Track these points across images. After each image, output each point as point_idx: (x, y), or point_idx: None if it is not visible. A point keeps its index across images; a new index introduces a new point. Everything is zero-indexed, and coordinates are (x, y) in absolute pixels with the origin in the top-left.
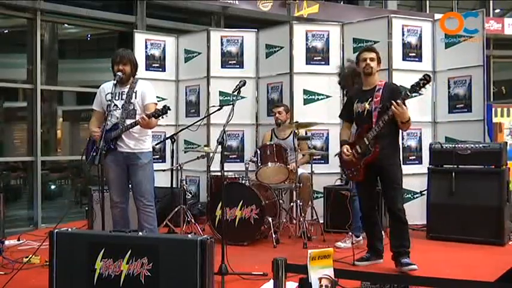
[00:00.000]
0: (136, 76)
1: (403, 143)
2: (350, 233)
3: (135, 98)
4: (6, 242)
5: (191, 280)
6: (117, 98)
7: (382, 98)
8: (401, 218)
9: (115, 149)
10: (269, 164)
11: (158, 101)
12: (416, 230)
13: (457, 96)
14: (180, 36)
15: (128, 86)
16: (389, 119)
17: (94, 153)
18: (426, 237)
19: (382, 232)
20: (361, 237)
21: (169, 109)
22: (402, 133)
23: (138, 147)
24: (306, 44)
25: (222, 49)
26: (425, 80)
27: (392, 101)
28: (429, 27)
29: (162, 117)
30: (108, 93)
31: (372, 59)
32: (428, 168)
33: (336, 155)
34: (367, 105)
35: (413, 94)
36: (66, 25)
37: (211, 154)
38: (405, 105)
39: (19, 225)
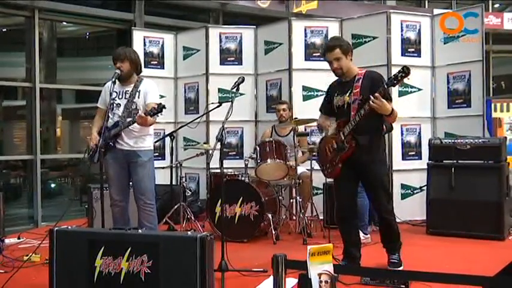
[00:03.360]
0: (141, 74)
1: (402, 139)
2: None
3: (138, 97)
4: (7, 241)
5: (191, 277)
6: (120, 96)
7: (362, 89)
8: (387, 219)
9: (114, 147)
10: (268, 160)
11: (159, 101)
12: (416, 226)
13: (456, 91)
14: (178, 34)
15: (132, 85)
16: (367, 113)
17: (92, 151)
18: (426, 232)
19: (365, 236)
20: (369, 235)
21: (165, 107)
22: (401, 128)
23: (138, 145)
24: (305, 40)
25: (220, 46)
26: (404, 72)
27: (370, 95)
28: (428, 23)
29: (158, 116)
30: (110, 92)
31: (337, 59)
32: (428, 163)
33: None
34: (346, 98)
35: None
36: (64, 23)
37: (210, 151)
38: (389, 98)
39: (19, 223)
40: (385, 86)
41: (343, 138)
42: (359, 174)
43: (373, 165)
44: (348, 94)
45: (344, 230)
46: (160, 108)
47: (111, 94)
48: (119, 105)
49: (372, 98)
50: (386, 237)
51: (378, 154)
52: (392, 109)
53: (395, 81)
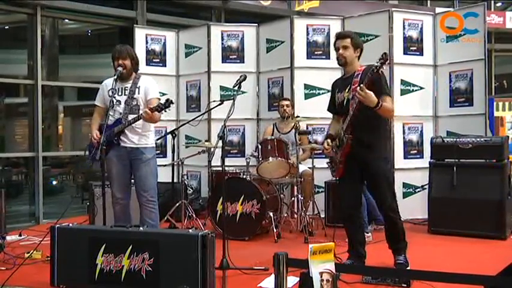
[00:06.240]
0: (139, 72)
1: (404, 137)
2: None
3: (138, 93)
4: (8, 238)
5: (192, 275)
6: (120, 93)
7: (360, 83)
8: (392, 218)
9: (118, 144)
10: (270, 158)
11: (160, 96)
12: (418, 224)
13: (459, 90)
14: (180, 31)
15: (131, 82)
16: (359, 106)
17: (95, 149)
18: (428, 231)
19: (366, 234)
20: (370, 234)
21: (172, 103)
22: (403, 127)
23: (141, 142)
24: (307, 39)
25: (222, 44)
26: (382, 58)
27: (357, 87)
28: (430, 21)
29: (165, 111)
30: (110, 89)
31: (344, 47)
32: (430, 162)
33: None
34: (346, 93)
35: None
36: (66, 20)
37: (212, 149)
38: (384, 93)
39: (21, 220)
40: (370, 75)
41: (342, 133)
42: (363, 172)
43: (376, 162)
44: (347, 90)
45: (349, 229)
46: (168, 103)
47: (109, 91)
48: (118, 102)
49: (357, 89)
50: (392, 237)
51: (381, 151)
52: (379, 101)
53: (375, 70)
